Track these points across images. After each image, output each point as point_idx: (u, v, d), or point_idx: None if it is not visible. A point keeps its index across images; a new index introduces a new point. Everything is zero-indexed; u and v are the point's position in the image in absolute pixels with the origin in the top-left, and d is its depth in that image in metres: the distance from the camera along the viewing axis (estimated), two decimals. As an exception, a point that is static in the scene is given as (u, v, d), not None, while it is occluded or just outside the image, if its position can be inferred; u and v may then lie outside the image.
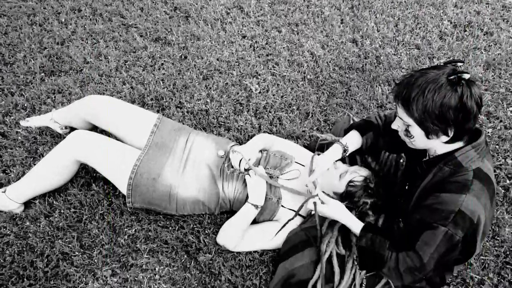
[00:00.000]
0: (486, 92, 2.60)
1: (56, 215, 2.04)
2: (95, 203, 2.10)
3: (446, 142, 1.53)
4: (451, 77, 1.40)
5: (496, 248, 2.01)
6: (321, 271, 1.76)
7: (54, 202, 2.08)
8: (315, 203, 1.80)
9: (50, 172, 1.98)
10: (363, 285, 1.78)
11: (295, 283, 1.80)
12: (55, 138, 2.35)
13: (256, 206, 1.90)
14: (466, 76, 1.40)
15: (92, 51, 2.80)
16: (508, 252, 2.00)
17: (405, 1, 3.23)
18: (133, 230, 2.02)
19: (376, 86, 2.66)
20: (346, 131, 1.97)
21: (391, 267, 1.58)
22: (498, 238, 2.04)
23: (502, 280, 1.92)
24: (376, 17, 3.10)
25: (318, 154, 2.02)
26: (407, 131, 1.55)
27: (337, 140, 2.12)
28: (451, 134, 1.49)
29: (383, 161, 2.06)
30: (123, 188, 1.96)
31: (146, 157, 1.96)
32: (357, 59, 2.82)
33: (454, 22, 3.09)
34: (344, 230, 1.85)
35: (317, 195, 1.80)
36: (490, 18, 3.11)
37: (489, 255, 1.99)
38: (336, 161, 1.90)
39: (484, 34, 2.99)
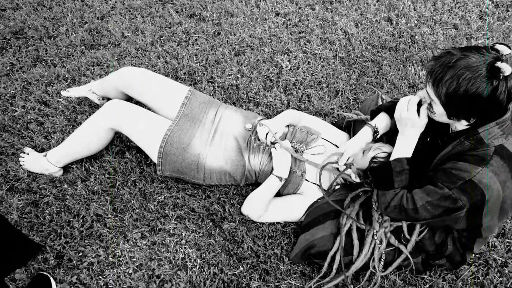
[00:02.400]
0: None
1: (91, 180, 2.17)
2: (128, 170, 2.21)
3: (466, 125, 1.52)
4: (492, 69, 1.35)
5: (523, 232, 1.98)
6: (340, 243, 1.79)
7: (90, 167, 2.21)
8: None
9: (87, 138, 2.10)
10: (382, 259, 1.80)
11: (314, 254, 1.85)
12: (93, 108, 2.47)
13: (281, 178, 1.95)
14: (507, 71, 1.34)
15: (129, 26, 2.89)
16: (536, 237, 1.96)
17: (446, -21, 3.13)
18: (162, 197, 2.12)
19: (409, 65, 2.61)
20: (373, 114, 1.96)
21: (390, 197, 1.63)
22: (526, 222, 2.00)
23: (527, 264, 1.89)
24: (414, -5, 3.03)
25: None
26: (430, 105, 1.55)
27: (364, 118, 2.12)
28: (472, 121, 1.48)
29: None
30: (154, 156, 2.06)
31: (177, 128, 2.04)
32: (391, 38, 2.78)
33: (496, 1, 2.97)
34: (366, 205, 1.88)
35: (353, 164, 1.82)
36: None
37: (516, 238, 1.96)
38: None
39: (529, 15, 2.87)
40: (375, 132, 1.84)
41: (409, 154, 1.67)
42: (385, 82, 2.54)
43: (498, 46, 1.40)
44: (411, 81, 2.54)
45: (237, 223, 2.03)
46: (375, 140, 1.88)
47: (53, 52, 2.73)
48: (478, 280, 1.86)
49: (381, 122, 1.87)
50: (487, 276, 1.86)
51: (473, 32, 2.77)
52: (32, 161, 2.20)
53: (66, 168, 2.21)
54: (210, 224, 2.04)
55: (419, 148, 1.72)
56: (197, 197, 2.13)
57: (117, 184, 2.16)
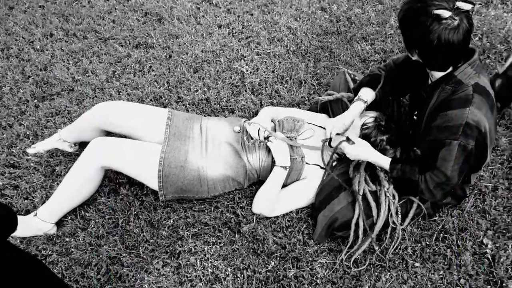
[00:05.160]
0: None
1: (92, 225, 2.08)
2: (126, 206, 2.15)
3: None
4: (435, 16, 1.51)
5: (499, 157, 2.22)
6: (360, 208, 1.90)
7: (86, 214, 2.12)
8: (348, 139, 1.93)
9: (77, 184, 2.02)
10: (398, 212, 1.94)
11: (338, 226, 1.93)
12: (67, 156, 2.37)
13: (285, 168, 2.02)
14: (445, 14, 1.49)
15: (77, 70, 2.83)
16: (510, 158, 2.21)
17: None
18: (172, 221, 2.09)
19: (355, 43, 2.83)
20: (356, 90, 2.12)
21: (423, 188, 1.74)
22: (498, 148, 2.25)
23: (512, 182, 2.13)
24: (336, -16, 3.29)
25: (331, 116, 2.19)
26: (347, 139, 1.90)
27: (340, 96, 2.27)
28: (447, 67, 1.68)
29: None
30: (153, 183, 2.03)
31: (169, 148, 2.04)
32: (330, 24, 2.99)
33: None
34: (370, 169, 2.01)
35: (347, 137, 1.93)
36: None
37: (495, 164, 2.19)
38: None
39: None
40: (365, 103, 2.00)
41: (384, 160, 1.87)
42: (339, 63, 2.73)
43: (459, 3, 1.54)
44: (362, 56, 2.76)
45: (254, 222, 2.06)
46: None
47: (4, 113, 2.59)
48: (480, 207, 2.05)
49: (367, 95, 2.03)
50: (485, 202, 2.07)
51: (397, 3, 3.07)
52: (21, 226, 2.06)
53: (59, 223, 2.10)
54: (228, 231, 2.05)
55: (407, 110, 1.90)
56: (206, 211, 2.13)
57: (120, 222, 2.10)
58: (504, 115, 2.37)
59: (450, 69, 1.70)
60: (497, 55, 2.66)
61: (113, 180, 2.26)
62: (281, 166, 2.02)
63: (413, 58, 1.71)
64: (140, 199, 2.18)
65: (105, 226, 2.09)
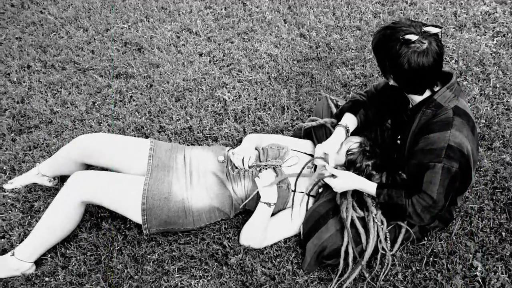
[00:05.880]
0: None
1: (73, 263, 2.00)
2: (109, 241, 2.08)
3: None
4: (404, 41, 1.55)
5: (482, 178, 2.24)
6: (349, 235, 1.87)
7: (67, 251, 2.04)
8: (332, 175, 1.92)
9: (58, 220, 1.94)
10: (387, 238, 1.92)
11: (327, 255, 1.90)
12: (46, 191, 2.29)
13: (269, 204, 1.99)
14: (413, 38, 1.54)
15: (56, 101, 2.77)
16: (493, 179, 2.23)
17: (334, -8, 3.53)
18: (156, 255, 2.02)
19: (335, 69, 2.87)
20: (338, 116, 2.13)
21: (411, 211, 1.74)
22: (481, 169, 2.28)
23: (497, 202, 2.14)
24: (314, 11, 3.34)
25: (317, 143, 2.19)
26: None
27: (323, 122, 2.28)
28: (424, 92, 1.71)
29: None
30: (137, 216, 1.97)
31: (152, 180, 1.99)
32: (310, 50, 3.03)
33: (381, 1, 3.40)
34: (357, 195, 2.00)
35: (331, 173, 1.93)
36: (410, -9, 3.48)
37: (479, 185, 2.21)
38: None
39: (410, 5, 3.33)
40: (347, 131, 2.00)
41: (369, 186, 1.87)
42: (321, 88, 2.75)
43: (426, 28, 1.59)
44: (342, 81, 2.78)
45: (242, 253, 2.01)
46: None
47: (-21, 148, 2.51)
48: (467, 229, 2.05)
49: (349, 121, 2.03)
50: (472, 224, 2.07)
51: (373, 29, 3.14)
52: (-3, 267, 1.97)
53: (38, 262, 2.01)
54: (215, 264, 1.99)
55: (390, 135, 1.91)
56: (192, 243, 2.07)
57: (102, 259, 2.02)
58: (485, 136, 2.41)
59: (429, 93, 1.73)
60: (474, 77, 2.73)
61: (94, 215, 2.19)
62: (265, 203, 1.99)
63: (390, 83, 1.74)
64: (123, 233, 2.11)
65: (87, 263, 2.00)
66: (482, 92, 2.63)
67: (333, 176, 1.91)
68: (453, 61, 2.85)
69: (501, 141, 2.38)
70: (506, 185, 2.19)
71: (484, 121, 2.47)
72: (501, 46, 2.92)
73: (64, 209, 1.94)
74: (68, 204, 1.94)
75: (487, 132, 2.43)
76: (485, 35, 3.02)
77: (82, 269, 1.97)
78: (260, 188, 1.99)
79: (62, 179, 2.30)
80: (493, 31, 3.05)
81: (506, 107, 2.55)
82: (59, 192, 1.94)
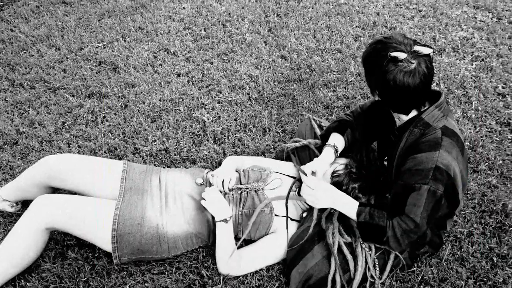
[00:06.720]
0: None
1: (33, 297, 1.80)
2: (75, 272, 1.90)
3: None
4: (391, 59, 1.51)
5: (470, 201, 2.17)
6: (336, 262, 1.75)
7: (27, 284, 1.85)
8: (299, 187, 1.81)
9: (19, 250, 1.76)
10: (376, 265, 1.81)
11: (314, 283, 1.77)
12: (7, 217, 2.11)
13: (226, 220, 1.86)
14: (401, 56, 1.49)
15: (23, 121, 2.60)
16: (481, 202, 2.17)
17: (315, 15, 3.51)
18: (127, 287, 1.85)
19: (317, 90, 2.81)
20: (324, 136, 2.04)
21: (390, 235, 1.64)
22: (468, 192, 2.22)
23: (486, 226, 2.07)
24: (294, 34, 3.31)
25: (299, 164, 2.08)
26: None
27: (307, 143, 2.19)
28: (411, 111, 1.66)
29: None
30: (106, 244, 1.81)
31: (124, 204, 1.85)
32: (291, 72, 2.97)
33: (361, 25, 3.41)
34: (343, 219, 1.89)
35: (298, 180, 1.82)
36: (389, 16, 3.49)
37: (468, 208, 2.14)
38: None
39: (389, 29, 3.34)
40: (336, 151, 1.91)
41: (351, 203, 1.75)
42: (303, 110, 2.67)
43: (417, 47, 1.54)
44: (324, 103, 2.72)
45: (222, 284, 1.85)
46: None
47: None
48: (458, 255, 1.97)
49: (337, 141, 1.95)
50: (462, 249, 1.98)
51: (355, 52, 3.12)
52: None
53: (-6, 296, 1.81)
54: (192, 296, 1.83)
55: (377, 156, 1.83)
56: (167, 273, 1.91)
57: (67, 292, 1.83)
58: (470, 159, 2.36)
59: (415, 112, 1.67)
60: (456, 100, 2.71)
61: (59, 242, 2.01)
62: (221, 221, 1.86)
63: (376, 99, 1.68)
64: (91, 263, 1.93)
65: (48, 297, 1.81)
66: (465, 114, 2.61)
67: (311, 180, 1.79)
68: (435, 84, 2.83)
69: (486, 163, 2.33)
70: (494, 208, 2.12)
71: (468, 143, 2.43)
72: (480, 70, 2.93)
73: (25, 237, 1.76)
74: (30, 230, 1.76)
75: (472, 154, 2.38)
76: (464, 59, 3.04)
77: (43, 304, 1.78)
78: (210, 208, 1.86)
79: (25, 204, 2.12)
80: (471, 55, 3.07)
81: (489, 130, 2.52)
82: (20, 218, 1.77)
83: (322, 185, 1.79)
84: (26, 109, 2.72)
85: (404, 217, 1.61)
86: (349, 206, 1.75)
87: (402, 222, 1.61)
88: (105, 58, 3.10)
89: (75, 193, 2.03)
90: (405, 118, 1.70)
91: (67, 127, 2.58)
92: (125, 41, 3.29)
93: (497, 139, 2.47)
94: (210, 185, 1.98)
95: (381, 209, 1.69)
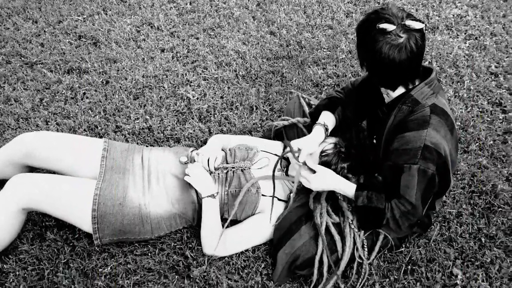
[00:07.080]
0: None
1: (11, 279, 1.73)
2: (54, 254, 1.83)
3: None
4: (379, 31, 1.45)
5: (459, 182, 2.14)
6: (323, 242, 1.71)
7: (4, 266, 1.78)
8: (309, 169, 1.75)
9: (-8, 231, 1.69)
10: (364, 245, 1.77)
11: (301, 264, 1.73)
12: (-18, 197, 2.01)
13: (213, 195, 1.80)
14: (389, 28, 1.43)
15: (-2, 98, 2.49)
16: (470, 183, 2.14)
17: (305, -10, 3.40)
18: (109, 268, 1.79)
19: (307, 68, 2.73)
20: (314, 114, 1.97)
21: (389, 216, 1.60)
22: (458, 172, 2.18)
23: (475, 207, 2.05)
24: (284, 9, 3.21)
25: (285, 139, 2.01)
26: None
27: (295, 121, 2.12)
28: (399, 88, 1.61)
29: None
30: (86, 225, 1.74)
31: (105, 184, 1.77)
32: (280, 48, 2.88)
33: (353, 0, 3.31)
34: (331, 199, 1.84)
35: (304, 163, 1.75)
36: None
37: (457, 188, 2.11)
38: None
39: (378, 4, 3.26)
40: (326, 129, 1.84)
41: (348, 186, 1.70)
42: (292, 88, 2.60)
43: (408, 21, 1.47)
44: (314, 81, 2.65)
45: (206, 265, 1.80)
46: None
47: None
48: (446, 235, 1.94)
49: (327, 119, 1.88)
50: (451, 230, 1.96)
51: (346, 28, 3.03)
52: None
53: (-33, 280, 1.73)
54: (176, 277, 1.78)
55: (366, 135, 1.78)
56: (150, 254, 1.85)
57: (46, 274, 1.76)
58: (461, 139, 2.33)
59: (403, 89, 1.62)
60: (448, 79, 2.66)
61: (38, 223, 1.93)
62: (208, 196, 1.79)
63: (365, 72, 1.64)
64: (70, 244, 1.87)
65: (27, 280, 1.74)
66: (457, 94, 2.56)
67: (311, 171, 1.74)
68: (427, 62, 2.77)
69: (477, 143, 2.30)
70: (483, 189, 2.10)
71: (459, 123, 2.39)
72: (473, 48, 2.87)
73: (0, 217, 1.68)
74: (6, 211, 1.69)
75: (462, 134, 2.35)
76: (458, 37, 2.97)
77: (21, 287, 1.71)
78: (195, 183, 1.80)
79: (1, 184, 2.03)
80: (465, 33, 3.00)
81: (480, 110, 2.48)
82: (-6, 199, 1.68)
83: (322, 169, 1.73)
84: (1, 85, 2.59)
85: (402, 199, 1.57)
86: (346, 190, 1.70)
87: (400, 204, 1.57)
88: (85, 32, 2.96)
89: (53, 173, 1.94)
90: (393, 94, 1.65)
91: (45, 103, 2.47)
92: (106, 14, 3.15)
93: (488, 119, 2.44)
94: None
95: (379, 192, 1.64)
